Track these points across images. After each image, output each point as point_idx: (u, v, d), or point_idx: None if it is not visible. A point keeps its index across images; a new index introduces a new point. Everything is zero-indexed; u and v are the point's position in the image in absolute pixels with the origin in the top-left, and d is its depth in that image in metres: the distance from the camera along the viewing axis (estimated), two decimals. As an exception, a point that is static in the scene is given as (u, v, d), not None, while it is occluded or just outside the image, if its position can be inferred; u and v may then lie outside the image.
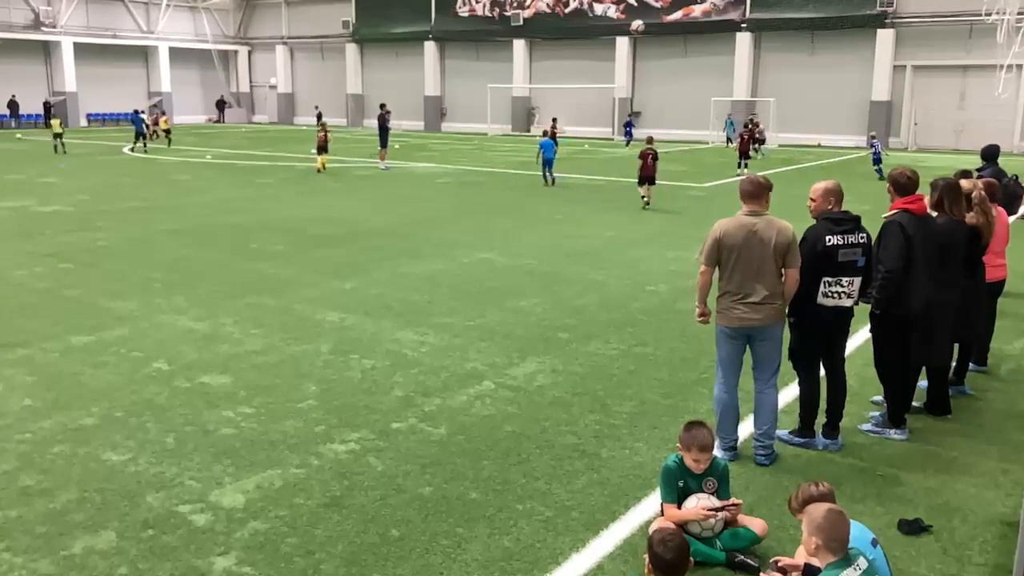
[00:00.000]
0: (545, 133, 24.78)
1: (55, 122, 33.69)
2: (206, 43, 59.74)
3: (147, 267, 11.96)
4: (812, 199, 5.86)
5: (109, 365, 7.66)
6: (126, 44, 54.58)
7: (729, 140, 36.17)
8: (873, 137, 28.82)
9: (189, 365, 7.64)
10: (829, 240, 5.62)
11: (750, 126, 31.39)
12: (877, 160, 25.89)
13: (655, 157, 18.91)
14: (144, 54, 56.53)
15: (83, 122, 51.45)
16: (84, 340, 8.41)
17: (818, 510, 3.67)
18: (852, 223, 5.70)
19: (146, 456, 5.73)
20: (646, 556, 3.64)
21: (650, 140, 20.32)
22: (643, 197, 18.78)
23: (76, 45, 51.39)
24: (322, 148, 25.98)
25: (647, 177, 18.73)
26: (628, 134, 40.36)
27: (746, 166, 26.35)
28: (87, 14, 52.37)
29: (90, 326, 8.86)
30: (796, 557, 4.04)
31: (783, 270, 5.57)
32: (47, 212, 17.30)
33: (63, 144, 32.43)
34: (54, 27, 50.37)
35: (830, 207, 5.77)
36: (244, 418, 6.42)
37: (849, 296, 5.69)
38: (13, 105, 49.23)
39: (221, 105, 57.67)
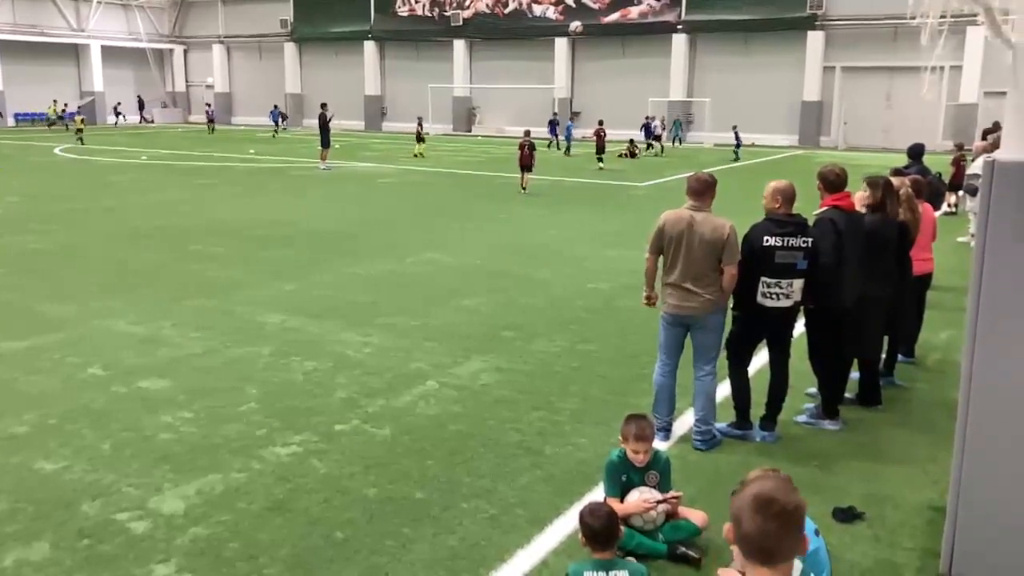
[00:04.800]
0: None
1: (79, 119, 39.72)
2: (140, 42, 58.33)
3: (83, 271, 11.68)
4: (764, 197, 5.99)
5: (43, 371, 7.46)
6: (55, 42, 52.96)
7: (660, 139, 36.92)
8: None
9: (127, 370, 7.48)
10: (767, 241, 5.76)
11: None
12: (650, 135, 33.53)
13: (531, 147, 21.24)
14: (75, 52, 54.92)
15: (11, 122, 49.80)
16: (17, 346, 8.17)
17: None
18: (794, 226, 5.81)
19: (82, 464, 5.60)
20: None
21: (527, 133, 22.28)
22: (522, 187, 20.96)
23: (2, 43, 49.70)
24: (420, 139, 32.24)
25: (524, 166, 20.97)
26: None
27: (601, 161, 28.51)
28: (13, 11, 50.70)
29: (24, 331, 8.61)
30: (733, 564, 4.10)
31: (721, 266, 5.72)
32: (-27, 215, 16.75)
33: (82, 139, 37.11)
34: (-22, 24, 48.76)
35: (777, 207, 5.90)
36: (184, 423, 6.32)
37: (788, 297, 5.83)
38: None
39: (141, 104, 56.30)
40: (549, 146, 35.84)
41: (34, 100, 51.12)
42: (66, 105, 50.53)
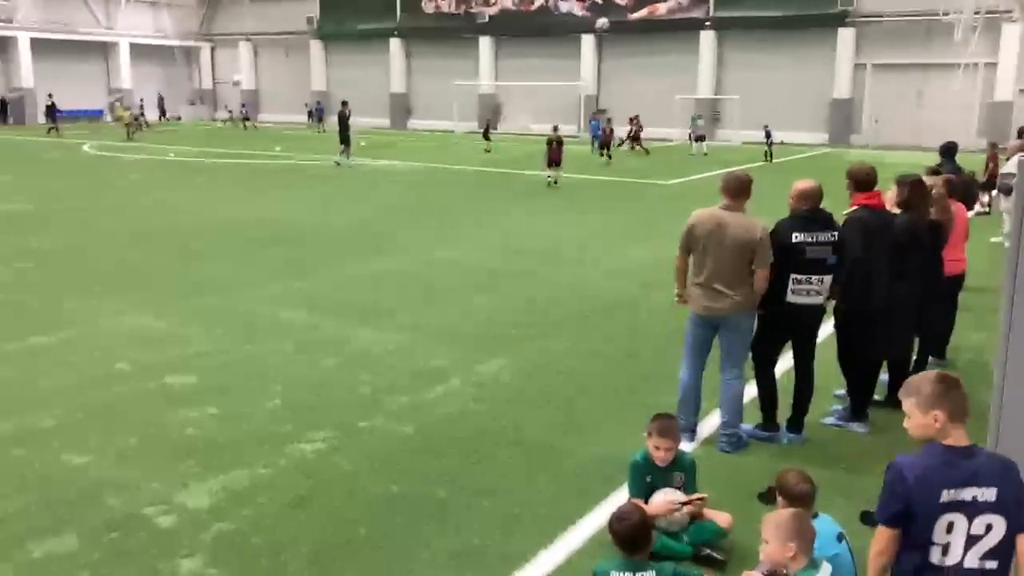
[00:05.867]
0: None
1: (125, 113, 40.51)
2: (168, 39, 58.89)
3: (108, 267, 11.79)
4: (791, 196, 5.93)
5: (70, 366, 7.53)
6: (85, 40, 53.60)
7: (697, 138, 36.50)
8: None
9: (152, 366, 7.54)
10: (796, 237, 5.70)
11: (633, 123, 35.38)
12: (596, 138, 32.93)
13: (560, 143, 22.21)
14: (104, 50, 55.53)
15: (41, 119, 50.37)
16: (44, 341, 8.26)
17: (785, 517, 3.70)
18: (822, 222, 5.77)
19: (108, 458, 5.65)
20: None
21: (555, 128, 23.70)
22: (549, 178, 22.07)
23: (33, 41, 50.36)
24: (487, 135, 34.88)
25: (554, 161, 22.07)
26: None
27: (609, 158, 29.49)
28: (44, 9, 51.32)
29: (50, 327, 8.71)
30: (762, 564, 4.09)
31: (753, 268, 5.64)
32: (3, 211, 16.91)
33: (131, 133, 37.96)
34: (10, 22, 49.33)
35: (804, 207, 5.84)
36: (208, 418, 6.36)
37: (819, 293, 5.78)
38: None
39: (162, 103, 56.62)
40: (593, 149, 34.91)
41: (64, 97, 51.65)
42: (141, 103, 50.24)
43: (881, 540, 2.94)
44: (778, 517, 3.72)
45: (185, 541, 4.64)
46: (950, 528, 2.86)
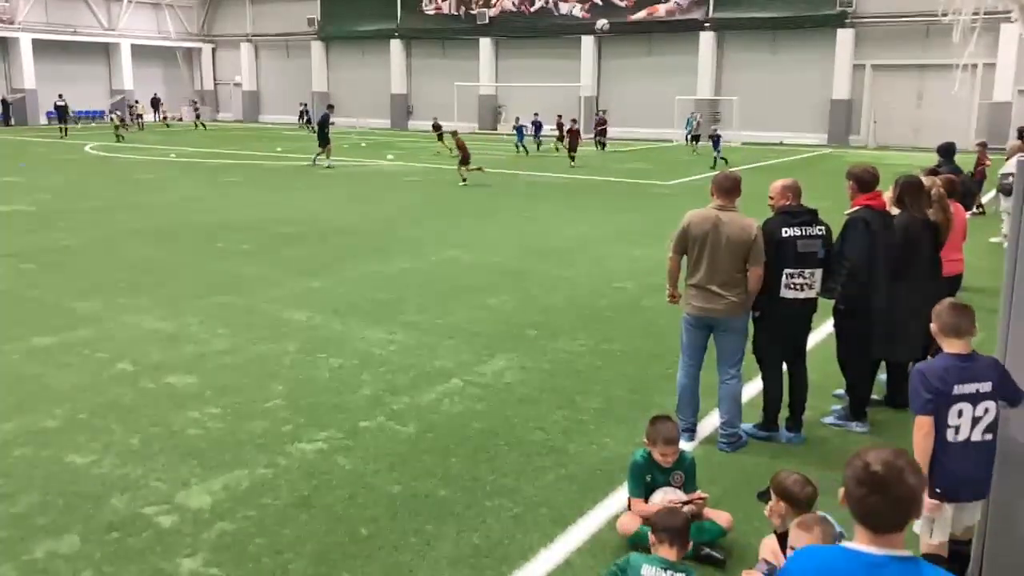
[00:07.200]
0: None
1: (116, 117, 41.11)
2: (169, 40, 58.91)
3: (111, 267, 11.81)
4: (771, 196, 5.97)
5: (73, 366, 7.55)
6: (87, 41, 53.61)
7: (692, 138, 36.54)
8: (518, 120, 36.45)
9: (154, 366, 7.56)
10: (786, 232, 5.74)
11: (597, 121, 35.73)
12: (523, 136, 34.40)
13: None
14: (106, 51, 55.50)
15: (43, 120, 50.43)
16: (47, 341, 8.28)
17: (831, 524, 3.71)
18: (809, 215, 5.84)
19: (111, 458, 5.67)
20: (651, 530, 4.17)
21: (455, 133, 24.81)
22: (478, 168, 22.85)
23: (35, 42, 50.37)
24: (440, 137, 34.58)
25: (465, 159, 22.74)
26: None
27: (572, 160, 28.49)
28: (46, 10, 51.32)
29: (53, 327, 8.73)
30: (757, 567, 4.11)
31: (747, 266, 5.67)
32: (7, 211, 16.98)
33: (121, 136, 38.36)
34: (12, 23, 49.36)
35: (787, 203, 5.88)
36: (211, 418, 6.37)
37: (811, 287, 5.82)
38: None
39: (156, 104, 55.61)
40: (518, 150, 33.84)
41: (66, 99, 51.62)
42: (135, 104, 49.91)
43: (924, 426, 3.83)
44: (827, 526, 3.68)
45: (186, 541, 4.65)
46: (960, 414, 3.79)
